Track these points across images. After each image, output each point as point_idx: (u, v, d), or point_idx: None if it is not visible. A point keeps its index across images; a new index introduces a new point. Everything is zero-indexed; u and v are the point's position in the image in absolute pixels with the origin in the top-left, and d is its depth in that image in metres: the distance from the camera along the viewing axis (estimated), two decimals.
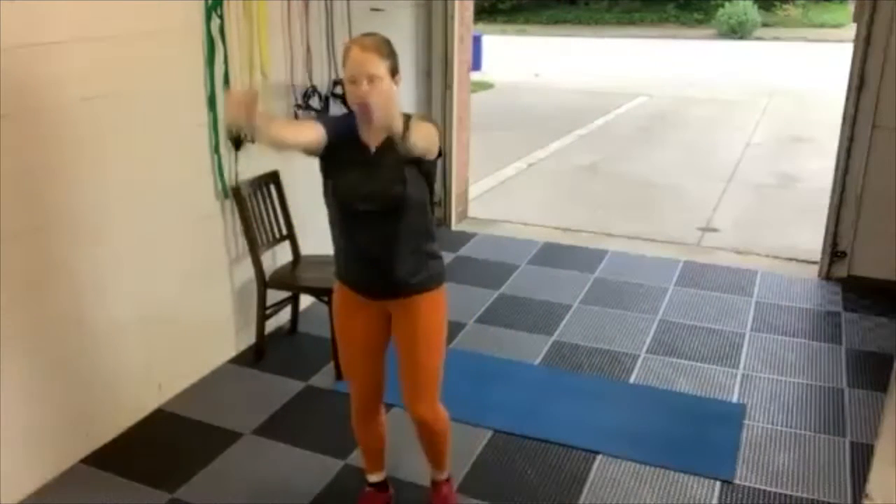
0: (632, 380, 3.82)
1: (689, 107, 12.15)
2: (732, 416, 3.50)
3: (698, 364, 3.95)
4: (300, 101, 4.19)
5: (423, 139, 2.25)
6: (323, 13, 4.30)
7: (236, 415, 3.48)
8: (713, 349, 4.10)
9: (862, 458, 3.20)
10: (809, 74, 15.11)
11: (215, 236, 3.79)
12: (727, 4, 22.86)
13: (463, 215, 6.16)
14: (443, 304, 2.60)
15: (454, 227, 5.95)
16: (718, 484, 3.06)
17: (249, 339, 4.02)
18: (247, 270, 3.91)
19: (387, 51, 2.35)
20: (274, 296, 3.96)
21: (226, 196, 3.76)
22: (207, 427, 3.41)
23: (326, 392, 3.69)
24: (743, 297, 4.73)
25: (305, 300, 4.31)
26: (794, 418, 3.50)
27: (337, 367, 3.76)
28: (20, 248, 2.81)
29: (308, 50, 4.17)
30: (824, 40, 20.04)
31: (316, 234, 4.29)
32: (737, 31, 22.37)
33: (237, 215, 3.81)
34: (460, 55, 5.68)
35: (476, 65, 13.49)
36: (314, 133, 2.38)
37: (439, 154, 2.44)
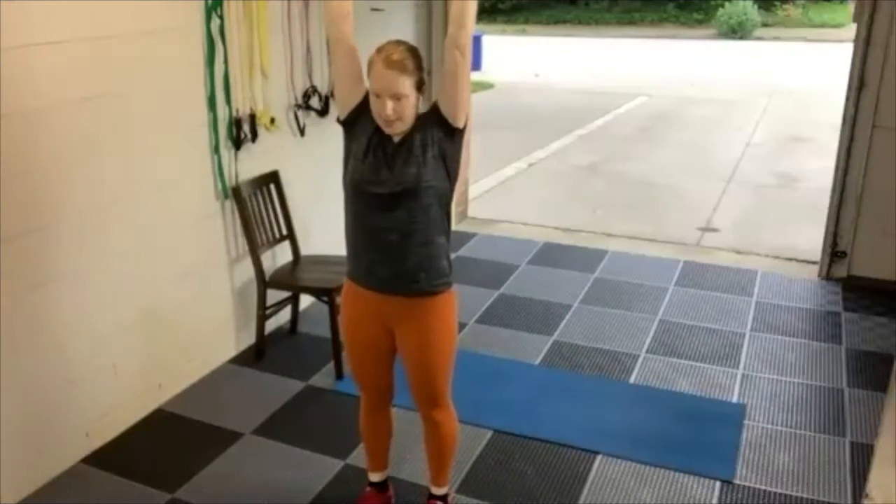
0: (632, 380, 3.82)
1: (689, 107, 12.15)
2: (732, 416, 3.50)
3: (698, 364, 3.95)
4: (300, 101, 4.19)
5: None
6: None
7: (236, 415, 3.48)
8: (713, 349, 4.10)
9: (862, 458, 3.20)
10: (809, 74, 15.11)
11: (215, 236, 3.79)
12: (727, 4, 22.84)
13: (463, 215, 6.16)
14: (452, 304, 2.54)
15: (454, 227, 5.92)
16: (718, 484, 3.06)
17: (249, 338, 4.02)
18: (247, 270, 3.91)
19: (413, 65, 2.30)
20: (274, 296, 3.96)
21: (226, 196, 3.76)
22: (207, 427, 3.41)
23: (326, 392, 3.69)
24: (743, 297, 4.73)
25: (305, 300, 4.31)
26: (794, 418, 3.50)
27: (337, 366, 3.76)
28: (20, 249, 2.81)
29: (308, 50, 4.17)
30: (824, 40, 20.03)
31: (316, 234, 4.31)
32: (737, 31, 22.36)
33: (237, 215, 3.81)
34: None
35: (476, 65, 13.51)
36: (358, 58, 2.38)
37: (463, 128, 2.39)
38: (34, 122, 2.81)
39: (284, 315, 4.22)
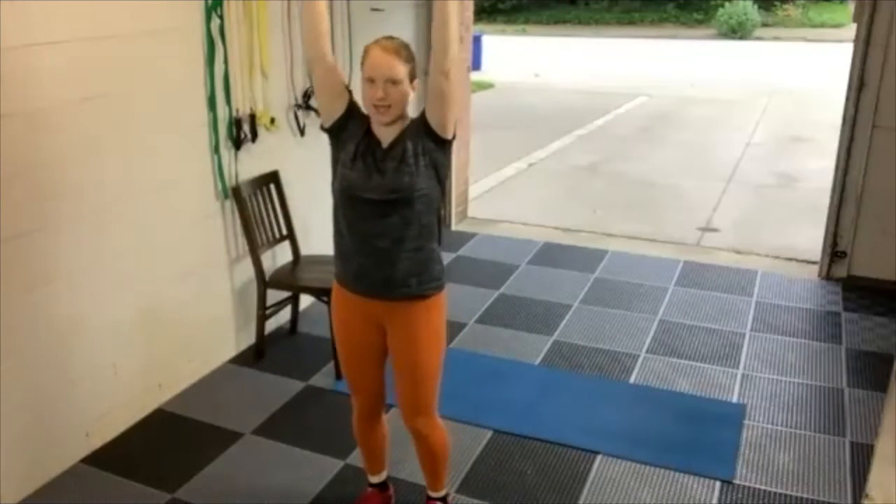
0: (632, 380, 3.82)
1: (689, 107, 12.15)
2: (732, 416, 3.50)
3: (698, 364, 3.95)
4: (300, 101, 4.19)
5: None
6: None
7: (236, 415, 3.48)
8: (713, 349, 4.10)
9: (862, 458, 3.20)
10: (809, 74, 15.10)
11: (215, 236, 3.79)
12: (727, 4, 22.85)
13: (463, 215, 6.16)
14: (442, 311, 2.54)
15: (454, 227, 5.95)
16: (718, 484, 3.06)
17: (249, 338, 4.02)
18: (247, 270, 3.91)
19: (407, 55, 2.34)
20: (274, 296, 3.96)
21: (226, 196, 3.76)
22: (207, 427, 3.41)
23: (326, 392, 3.69)
24: (743, 297, 4.73)
25: (305, 300, 4.31)
26: (794, 418, 3.50)
27: (337, 367, 3.76)
28: (20, 249, 2.81)
29: None
30: (824, 40, 20.03)
31: (316, 234, 4.31)
32: (737, 31, 22.36)
33: (237, 215, 3.81)
34: (460, 55, 5.67)
35: (476, 65, 13.50)
36: (338, 73, 2.43)
37: (452, 138, 2.42)
38: (34, 122, 2.81)
39: (284, 315, 4.22)
